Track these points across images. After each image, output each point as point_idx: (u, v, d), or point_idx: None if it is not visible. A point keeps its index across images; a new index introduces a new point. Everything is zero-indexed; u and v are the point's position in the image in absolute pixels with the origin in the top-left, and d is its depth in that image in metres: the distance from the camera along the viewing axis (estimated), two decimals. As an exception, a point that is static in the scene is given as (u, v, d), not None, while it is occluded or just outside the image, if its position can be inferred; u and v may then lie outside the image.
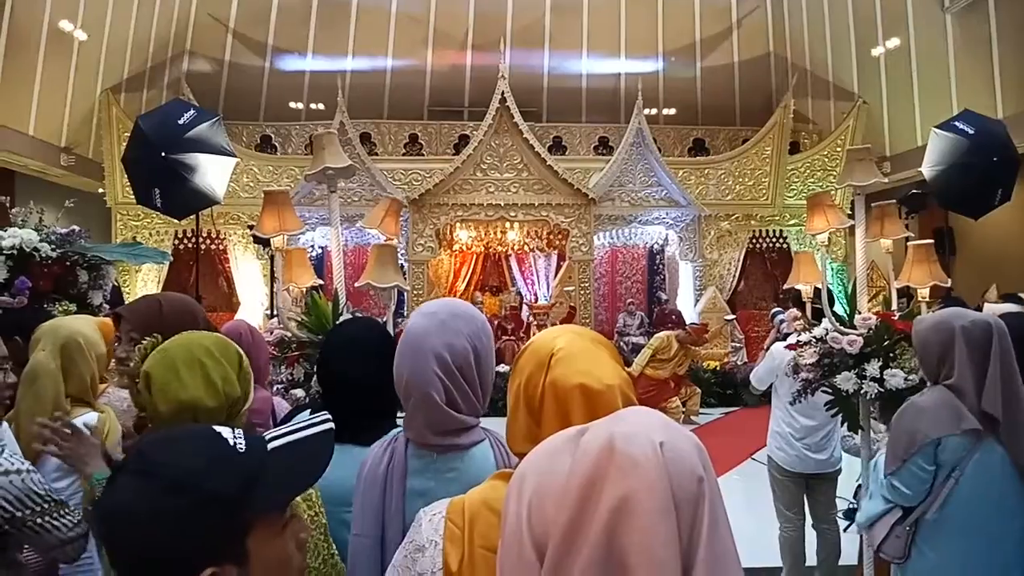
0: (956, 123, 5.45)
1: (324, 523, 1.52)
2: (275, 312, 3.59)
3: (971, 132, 5.32)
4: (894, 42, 11.18)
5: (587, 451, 0.67)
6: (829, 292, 3.54)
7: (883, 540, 2.20)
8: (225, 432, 0.91)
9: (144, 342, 1.65)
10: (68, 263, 3.52)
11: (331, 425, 1.01)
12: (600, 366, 1.08)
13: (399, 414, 1.87)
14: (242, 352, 1.60)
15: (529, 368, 1.12)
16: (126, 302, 2.78)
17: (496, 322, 11.60)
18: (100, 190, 11.43)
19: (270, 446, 0.93)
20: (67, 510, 1.77)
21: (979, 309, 3.63)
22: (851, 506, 3.44)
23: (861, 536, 2.91)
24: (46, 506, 1.72)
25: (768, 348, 4.31)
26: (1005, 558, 2.05)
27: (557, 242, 12.04)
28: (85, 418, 2.13)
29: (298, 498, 1.44)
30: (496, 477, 1.16)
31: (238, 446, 0.89)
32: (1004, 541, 2.05)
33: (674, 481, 0.64)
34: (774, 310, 6.35)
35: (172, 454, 0.85)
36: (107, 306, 3.63)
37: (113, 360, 2.01)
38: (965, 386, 2.07)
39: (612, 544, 0.62)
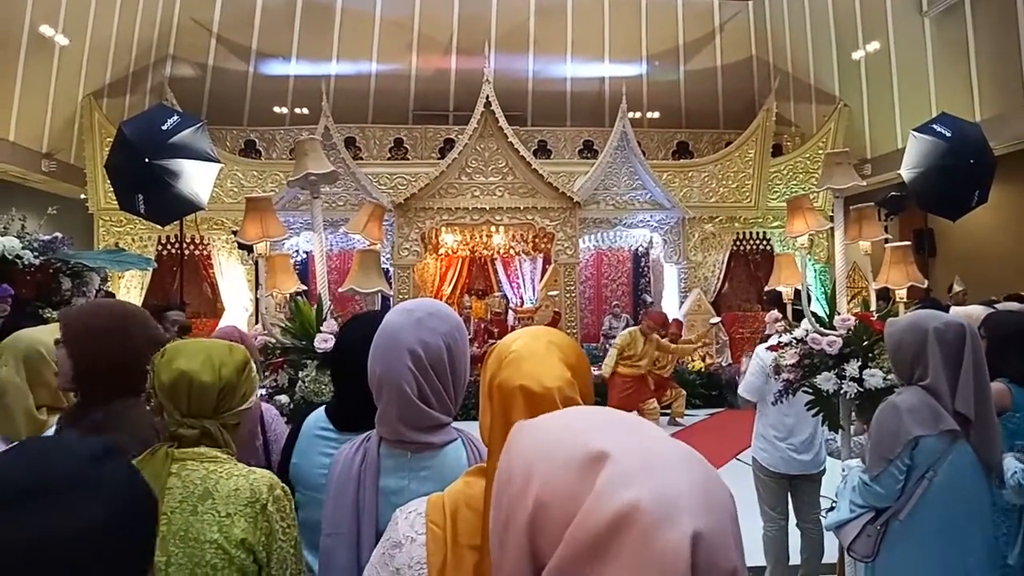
0: (934, 126, 5.52)
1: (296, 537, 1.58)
2: (259, 318, 3.59)
3: (949, 135, 5.40)
4: (874, 46, 11.30)
5: (602, 505, 0.54)
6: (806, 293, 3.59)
7: (854, 539, 2.22)
8: None
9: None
10: (51, 270, 3.50)
11: None
12: (545, 368, 1.07)
13: None
14: (250, 358, 1.68)
15: (491, 368, 1.13)
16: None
17: (482, 326, 11.61)
18: (82, 196, 11.33)
19: None
20: None
21: (948, 308, 3.68)
22: (834, 505, 3.48)
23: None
24: None
25: (745, 370, 4.28)
26: (974, 558, 2.08)
27: (542, 245, 12.06)
28: None
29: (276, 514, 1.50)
30: (471, 473, 1.16)
31: None
32: (973, 542, 2.08)
33: None
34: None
35: None
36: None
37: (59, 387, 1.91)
38: (940, 387, 2.09)
39: None
